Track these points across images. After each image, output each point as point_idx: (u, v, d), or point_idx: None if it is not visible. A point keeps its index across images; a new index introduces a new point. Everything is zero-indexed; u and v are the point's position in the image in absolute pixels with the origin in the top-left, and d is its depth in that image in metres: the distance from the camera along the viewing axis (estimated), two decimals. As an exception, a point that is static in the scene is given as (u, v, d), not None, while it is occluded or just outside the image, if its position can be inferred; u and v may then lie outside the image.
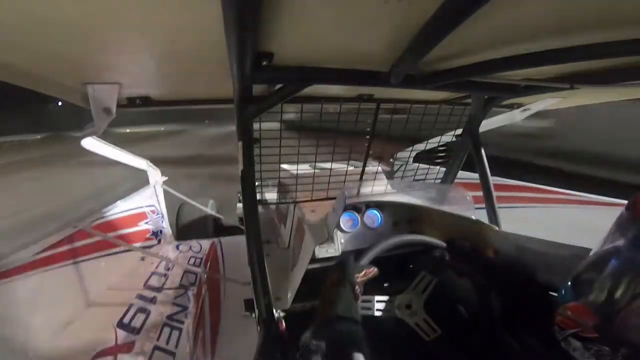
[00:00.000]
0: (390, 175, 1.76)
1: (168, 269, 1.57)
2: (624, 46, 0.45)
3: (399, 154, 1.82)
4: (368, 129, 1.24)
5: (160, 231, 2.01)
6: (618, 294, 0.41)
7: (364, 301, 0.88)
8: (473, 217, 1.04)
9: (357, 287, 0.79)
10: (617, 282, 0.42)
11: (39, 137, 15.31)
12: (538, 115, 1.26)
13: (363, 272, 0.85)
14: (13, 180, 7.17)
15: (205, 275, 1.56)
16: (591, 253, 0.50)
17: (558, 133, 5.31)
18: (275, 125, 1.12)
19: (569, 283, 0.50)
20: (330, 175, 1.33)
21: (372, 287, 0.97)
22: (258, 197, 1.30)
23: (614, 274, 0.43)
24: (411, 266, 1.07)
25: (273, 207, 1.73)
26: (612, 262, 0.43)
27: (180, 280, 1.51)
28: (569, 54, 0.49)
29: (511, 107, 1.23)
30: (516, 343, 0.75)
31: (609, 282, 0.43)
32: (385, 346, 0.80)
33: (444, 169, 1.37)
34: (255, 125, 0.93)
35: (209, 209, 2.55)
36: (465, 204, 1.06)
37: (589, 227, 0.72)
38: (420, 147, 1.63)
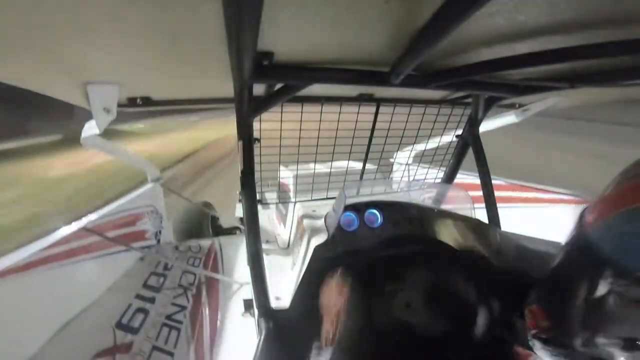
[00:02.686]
0: (390, 175, 1.76)
1: (167, 269, 1.57)
2: (624, 46, 0.45)
3: (399, 154, 1.83)
4: (368, 129, 1.24)
5: (160, 231, 2.01)
6: (561, 299, 0.43)
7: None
8: (473, 217, 1.04)
9: None
10: (560, 287, 0.44)
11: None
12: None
13: None
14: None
15: (205, 276, 1.56)
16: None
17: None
18: (275, 125, 1.12)
19: (536, 286, 0.52)
20: (330, 175, 1.33)
21: (370, 289, 0.97)
22: (258, 197, 1.30)
23: (559, 280, 0.45)
24: (404, 264, 1.07)
25: (273, 207, 1.73)
26: (558, 269, 0.45)
27: (179, 281, 1.50)
28: (569, 54, 0.49)
29: (511, 107, 1.23)
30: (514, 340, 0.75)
31: (557, 287, 0.45)
32: (391, 349, 0.80)
33: (444, 168, 1.37)
34: (255, 125, 0.93)
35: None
36: (465, 204, 1.06)
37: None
38: (420, 147, 1.63)
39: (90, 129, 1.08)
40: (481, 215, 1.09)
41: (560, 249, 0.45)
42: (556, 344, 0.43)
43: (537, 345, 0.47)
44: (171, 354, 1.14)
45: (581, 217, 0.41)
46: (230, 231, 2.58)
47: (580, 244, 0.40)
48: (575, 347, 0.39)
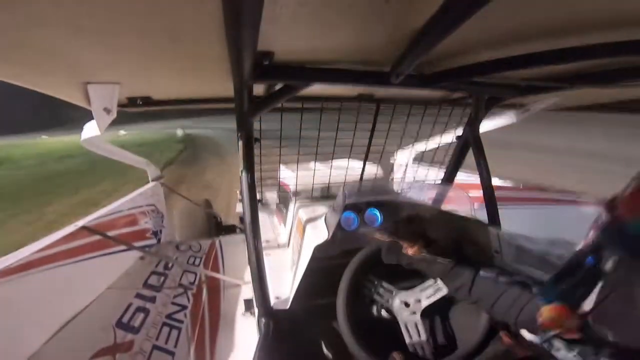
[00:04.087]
0: (390, 175, 1.76)
1: (167, 268, 1.57)
2: (624, 46, 0.45)
3: (399, 154, 1.83)
4: (368, 129, 1.24)
5: (160, 230, 2.01)
6: (596, 294, 0.41)
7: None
8: (473, 217, 1.04)
9: None
10: (594, 282, 0.42)
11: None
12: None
13: None
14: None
15: (205, 275, 1.56)
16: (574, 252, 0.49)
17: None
18: (276, 125, 1.12)
19: (550, 283, 0.50)
20: (330, 175, 1.34)
21: (370, 288, 0.97)
22: (258, 197, 1.30)
23: (591, 275, 0.42)
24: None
25: (273, 206, 1.73)
26: (588, 263, 0.43)
27: (180, 280, 1.50)
28: (569, 54, 0.49)
29: (511, 106, 1.23)
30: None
31: (587, 283, 0.43)
32: (368, 332, 0.82)
33: (444, 168, 1.37)
34: (256, 125, 0.93)
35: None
36: (465, 204, 1.06)
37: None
38: (420, 147, 1.63)
39: (91, 129, 1.08)
40: (481, 215, 1.09)
41: (586, 242, 0.44)
42: (588, 344, 0.41)
43: (559, 347, 0.45)
44: (172, 354, 1.14)
45: (611, 208, 0.41)
46: (230, 229, 2.59)
47: (616, 235, 0.39)
48: (611, 345, 0.38)
